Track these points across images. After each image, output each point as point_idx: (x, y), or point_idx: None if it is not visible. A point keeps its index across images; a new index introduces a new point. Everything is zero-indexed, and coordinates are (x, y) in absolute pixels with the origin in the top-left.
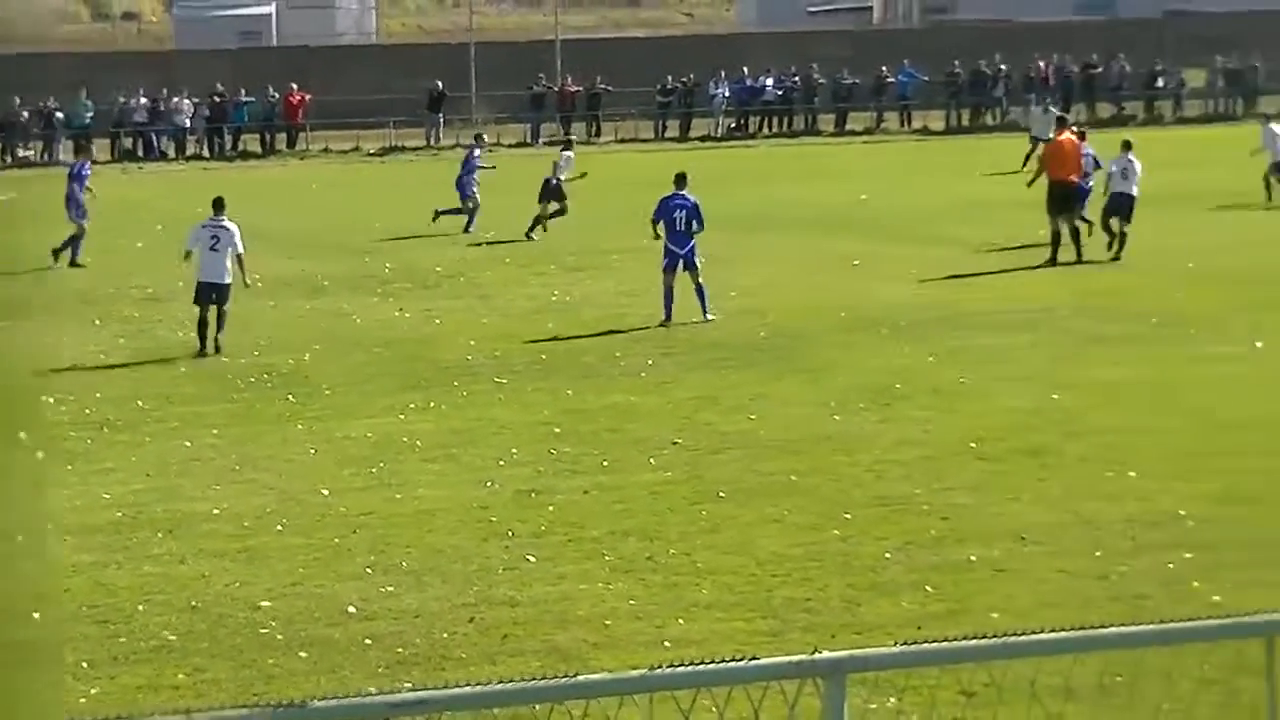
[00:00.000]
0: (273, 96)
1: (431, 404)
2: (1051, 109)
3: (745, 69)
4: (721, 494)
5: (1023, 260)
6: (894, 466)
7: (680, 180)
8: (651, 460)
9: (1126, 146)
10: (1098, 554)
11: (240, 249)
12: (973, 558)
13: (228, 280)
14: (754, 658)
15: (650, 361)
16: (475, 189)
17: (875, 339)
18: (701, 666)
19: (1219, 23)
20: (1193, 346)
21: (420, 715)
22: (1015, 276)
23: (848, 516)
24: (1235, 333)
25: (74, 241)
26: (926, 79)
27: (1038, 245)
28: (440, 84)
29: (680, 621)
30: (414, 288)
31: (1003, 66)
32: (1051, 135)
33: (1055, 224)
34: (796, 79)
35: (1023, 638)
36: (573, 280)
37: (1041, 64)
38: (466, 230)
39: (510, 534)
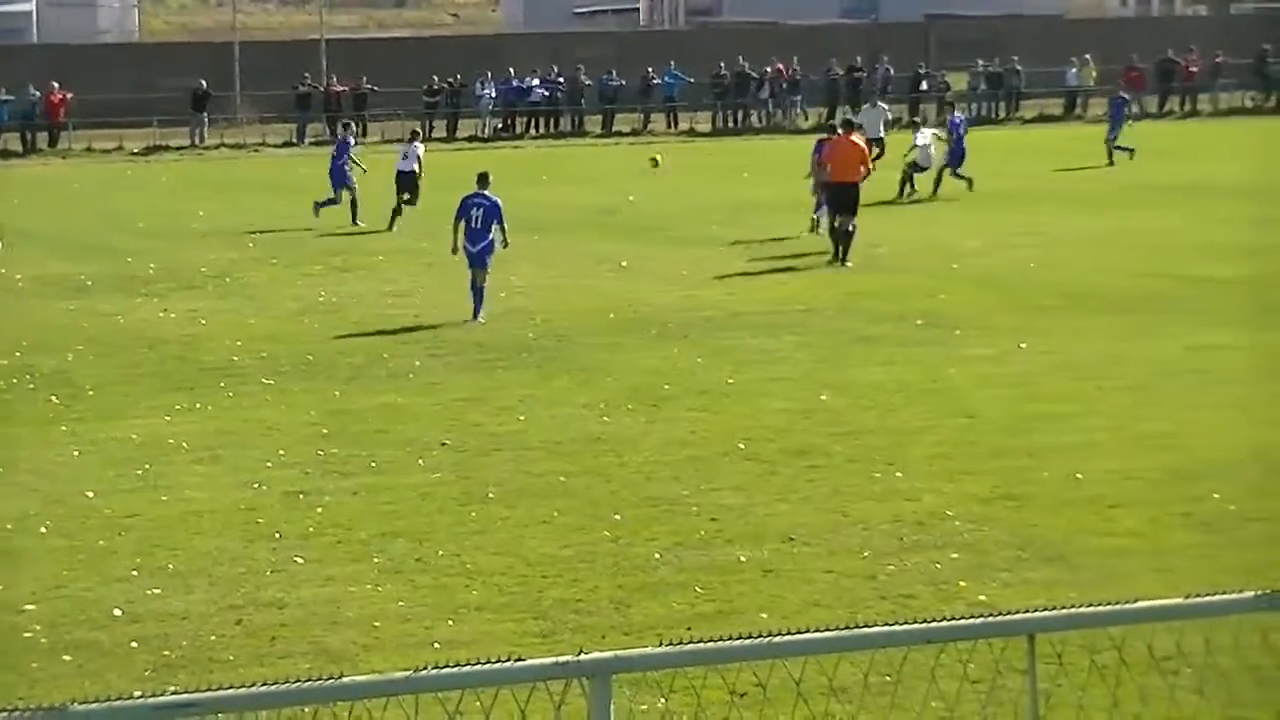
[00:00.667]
0: (33, 95)
1: (198, 405)
2: (881, 104)
3: (511, 70)
4: (491, 495)
5: (788, 261)
6: (663, 467)
7: (482, 180)
8: (420, 461)
9: (830, 130)
10: (866, 554)
11: None
12: (742, 558)
13: None
14: (520, 659)
15: (418, 362)
16: (352, 177)
17: (644, 340)
18: (467, 668)
19: (979, 26)
20: (959, 347)
21: (186, 718)
22: (781, 278)
23: (617, 517)
24: (1000, 333)
25: None
26: (692, 81)
27: (803, 250)
28: (204, 83)
29: (450, 623)
30: (178, 288)
31: (768, 68)
32: (882, 133)
33: (837, 222)
34: (562, 80)
35: (789, 637)
36: (339, 281)
37: (782, 66)
38: (354, 221)
39: (278, 536)
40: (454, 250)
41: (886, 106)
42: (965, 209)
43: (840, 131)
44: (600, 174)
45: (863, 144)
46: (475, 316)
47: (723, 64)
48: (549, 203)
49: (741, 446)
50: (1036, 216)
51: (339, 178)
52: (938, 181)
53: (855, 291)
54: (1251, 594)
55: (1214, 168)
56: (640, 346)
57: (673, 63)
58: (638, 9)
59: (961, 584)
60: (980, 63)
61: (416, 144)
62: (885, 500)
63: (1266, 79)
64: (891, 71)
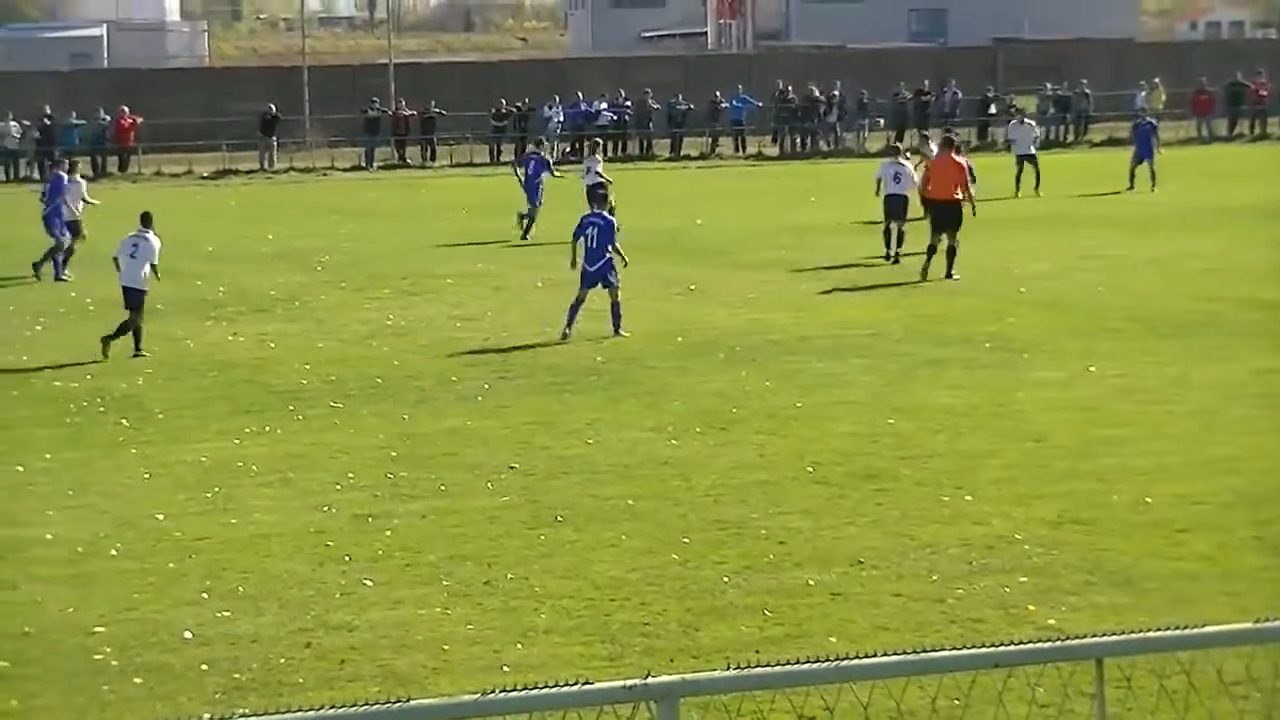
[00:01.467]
0: (103, 119)
1: (266, 428)
2: (1028, 121)
3: (579, 93)
4: (559, 518)
5: (854, 283)
6: (730, 491)
7: (600, 200)
8: (489, 485)
9: (894, 151)
10: (934, 578)
11: (155, 260)
12: (810, 582)
13: (143, 287)
14: (588, 682)
15: (486, 386)
16: (542, 192)
17: (711, 363)
18: (535, 691)
19: (1047, 50)
20: (1026, 371)
21: None
22: (848, 301)
23: (685, 541)
24: (1067, 357)
25: None
26: (760, 104)
27: (868, 267)
28: (273, 107)
29: (518, 646)
30: (248, 311)
31: (836, 92)
32: (1033, 150)
33: (934, 239)
34: (629, 103)
35: (856, 661)
36: (407, 304)
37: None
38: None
39: (347, 559)
40: (572, 265)
41: (1034, 123)
42: (1032, 231)
43: (941, 149)
44: (668, 197)
45: (963, 163)
46: (616, 332)
47: (790, 87)
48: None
49: (809, 470)
50: (1102, 240)
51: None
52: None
53: (922, 315)
54: None
55: (1273, 191)
56: (707, 370)
57: (740, 86)
58: (705, 33)
59: (1030, 608)
60: (1049, 86)
61: (597, 156)
62: (953, 524)
63: None
64: (959, 95)
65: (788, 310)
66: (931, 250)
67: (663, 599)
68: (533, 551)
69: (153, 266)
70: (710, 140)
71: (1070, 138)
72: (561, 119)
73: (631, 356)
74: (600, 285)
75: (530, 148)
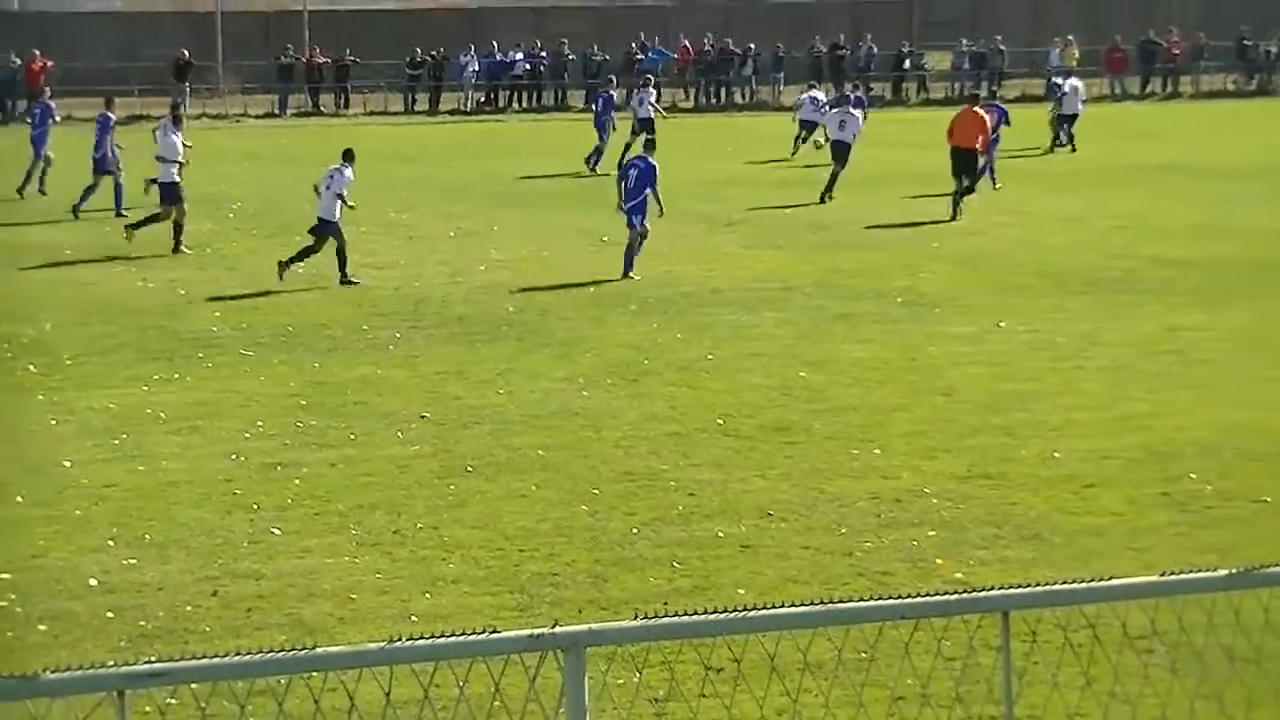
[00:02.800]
0: (14, 62)
1: (175, 375)
2: (1075, 81)
3: (495, 43)
4: (469, 468)
5: (769, 237)
6: (641, 442)
7: (649, 145)
8: (399, 434)
9: (845, 100)
10: (843, 531)
11: (342, 191)
12: (719, 534)
13: (330, 216)
14: (495, 631)
15: (398, 335)
16: (611, 127)
17: (624, 315)
18: (441, 640)
19: (963, 4)
20: (938, 326)
21: (160, 688)
22: (761, 253)
23: (595, 492)
24: (979, 313)
25: None
26: (675, 56)
27: (783, 220)
28: (186, 53)
29: (426, 596)
30: (158, 258)
31: (751, 45)
32: (1080, 108)
33: (957, 183)
34: (545, 54)
35: (764, 612)
36: (320, 253)
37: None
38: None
39: (255, 507)
40: (618, 208)
41: (1080, 84)
42: (946, 187)
43: (967, 103)
44: (583, 148)
45: (985, 116)
46: (626, 273)
47: (707, 39)
48: (530, 176)
49: (720, 422)
50: (1016, 196)
51: (601, 127)
52: None
53: (835, 269)
54: (1225, 572)
55: (1193, 149)
56: (620, 321)
57: (656, 38)
58: None
59: (938, 561)
60: (964, 42)
61: (649, 90)
62: (863, 477)
63: (1247, 61)
64: (875, 50)
65: (701, 263)
66: (957, 194)
67: (572, 550)
68: (443, 501)
69: (340, 197)
70: (625, 92)
71: (984, 94)
72: (477, 68)
73: (544, 308)
74: (627, 225)
75: (602, 88)
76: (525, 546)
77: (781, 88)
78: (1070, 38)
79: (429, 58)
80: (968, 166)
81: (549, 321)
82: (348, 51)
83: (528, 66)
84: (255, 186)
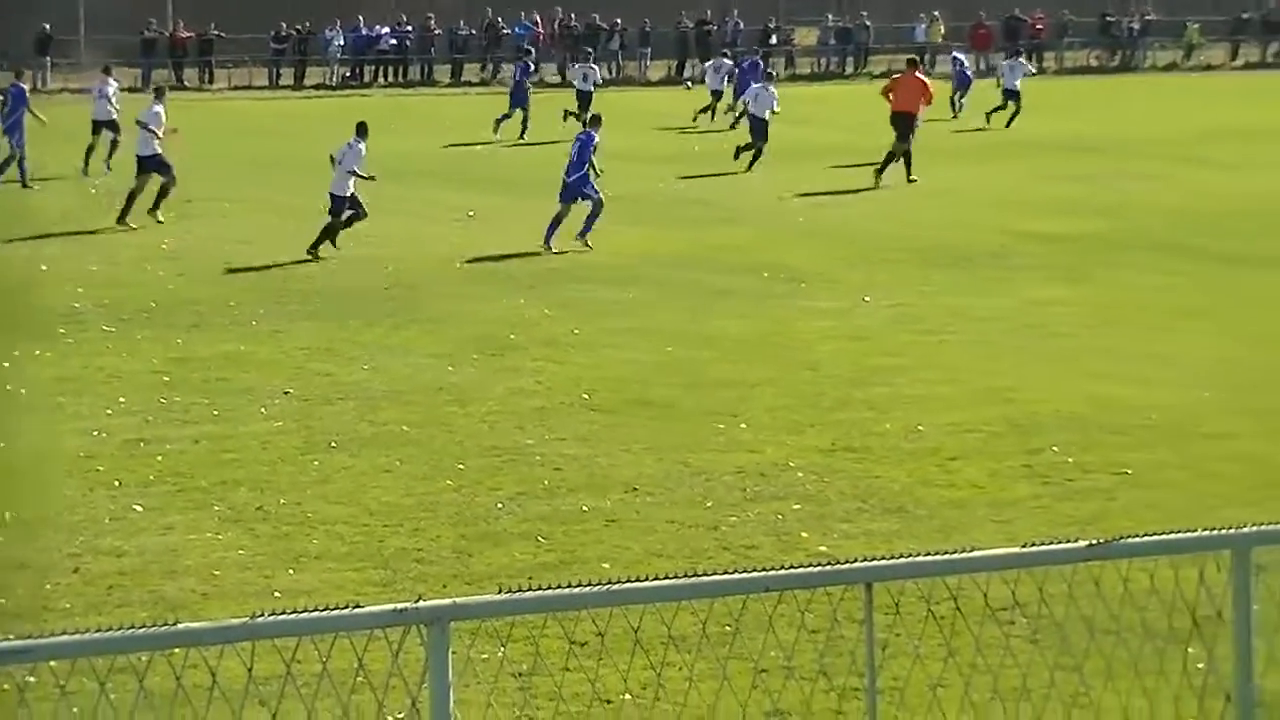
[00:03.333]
0: None
1: (37, 351)
2: (1021, 60)
3: (361, 18)
4: (333, 444)
5: (638, 212)
6: (507, 417)
7: (593, 120)
8: (263, 410)
9: (769, 78)
10: (708, 504)
11: (353, 167)
12: (585, 508)
13: (339, 191)
14: (357, 606)
15: (263, 310)
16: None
17: (492, 290)
18: (303, 615)
19: None
20: (804, 300)
21: (20, 664)
22: (631, 229)
23: (460, 467)
24: (845, 287)
25: None
26: (542, 31)
27: (653, 202)
28: (47, 26)
29: (290, 572)
30: (19, 233)
31: (618, 20)
32: (1018, 85)
33: (896, 146)
34: (411, 28)
35: (628, 585)
36: (184, 228)
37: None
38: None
39: (117, 483)
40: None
41: (1026, 61)
42: (822, 162)
43: (907, 69)
44: (450, 123)
45: (925, 80)
46: (582, 237)
47: (573, 14)
48: (398, 152)
49: (586, 397)
50: (891, 171)
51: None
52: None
53: (704, 244)
54: (1084, 544)
55: (1056, 124)
56: (488, 297)
57: (523, 13)
58: None
59: (803, 535)
60: (830, 17)
61: (591, 65)
62: (728, 451)
63: (1110, 37)
64: (741, 25)
65: (570, 238)
66: (892, 156)
67: (437, 525)
68: (307, 477)
69: (351, 172)
70: (493, 66)
71: (851, 69)
72: (343, 43)
73: (412, 283)
74: (579, 199)
75: (520, 57)
76: (389, 522)
77: (648, 63)
78: (936, 14)
79: (294, 32)
80: (903, 130)
81: (417, 297)
82: (212, 26)
83: (394, 41)
84: (116, 162)
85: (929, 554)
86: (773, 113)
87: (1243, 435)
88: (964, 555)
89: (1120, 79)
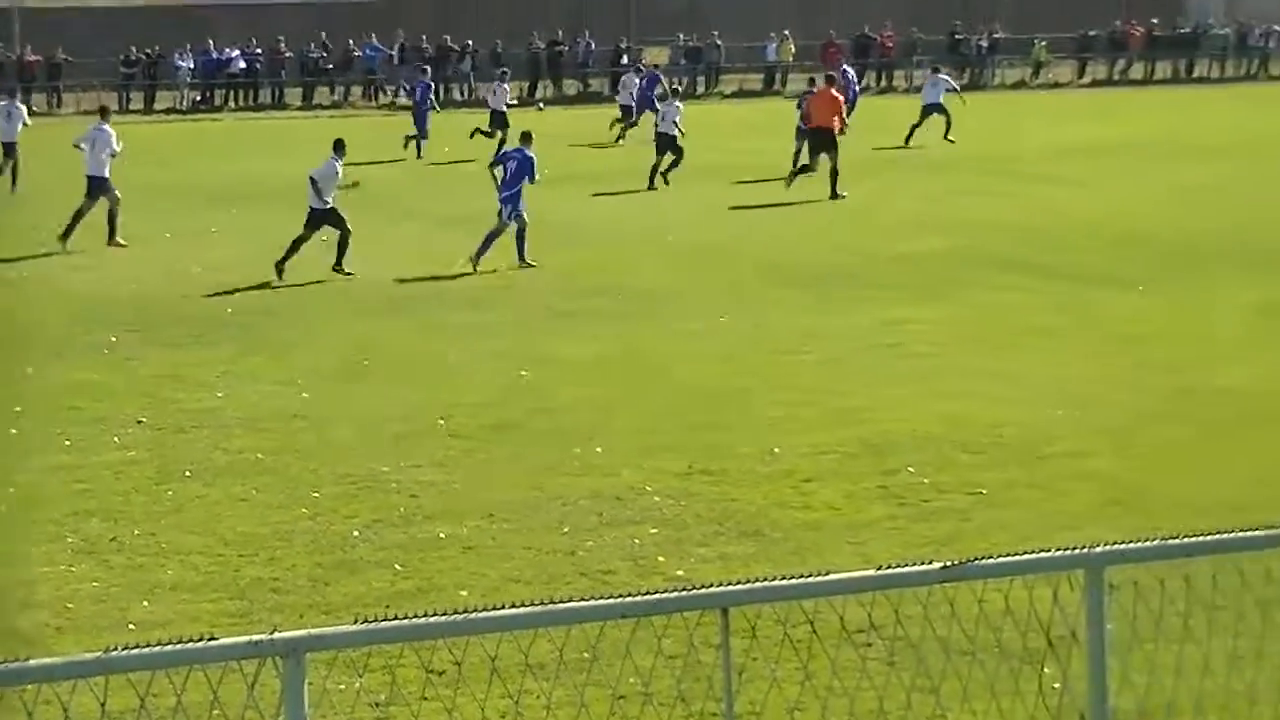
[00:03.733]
0: None
1: None
2: (943, 75)
3: (211, 41)
4: (187, 473)
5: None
6: (363, 444)
7: (525, 137)
8: (115, 439)
9: (675, 94)
10: (565, 530)
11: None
12: (441, 535)
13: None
14: (213, 638)
15: (114, 338)
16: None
17: (346, 314)
18: (157, 648)
19: (680, 1)
20: (662, 321)
21: None
22: (488, 253)
23: (316, 495)
24: (702, 307)
25: None
26: (392, 53)
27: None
28: None
29: (144, 604)
30: None
31: (469, 41)
32: (941, 100)
33: (812, 161)
34: (261, 51)
35: (484, 614)
36: (31, 256)
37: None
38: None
39: None
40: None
41: (948, 76)
42: (678, 184)
43: (820, 85)
44: (300, 146)
45: (839, 97)
46: (521, 258)
47: (424, 36)
48: (248, 176)
49: (442, 423)
50: (737, 191)
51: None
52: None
53: (564, 265)
54: (939, 566)
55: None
56: (342, 321)
57: (374, 35)
58: None
59: (660, 559)
60: (681, 36)
61: (504, 85)
62: (584, 475)
63: (959, 55)
64: (594, 46)
65: (426, 261)
66: (805, 169)
67: (292, 554)
68: (160, 507)
69: (314, 187)
70: (344, 89)
71: (703, 89)
72: (193, 67)
73: (264, 308)
74: (509, 216)
75: (419, 76)
76: (245, 551)
77: (507, 83)
78: (786, 32)
79: (144, 56)
80: (827, 146)
81: (269, 322)
82: (60, 50)
83: (244, 65)
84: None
85: (785, 578)
86: (679, 129)
87: (1093, 453)
88: (820, 579)
89: (969, 96)
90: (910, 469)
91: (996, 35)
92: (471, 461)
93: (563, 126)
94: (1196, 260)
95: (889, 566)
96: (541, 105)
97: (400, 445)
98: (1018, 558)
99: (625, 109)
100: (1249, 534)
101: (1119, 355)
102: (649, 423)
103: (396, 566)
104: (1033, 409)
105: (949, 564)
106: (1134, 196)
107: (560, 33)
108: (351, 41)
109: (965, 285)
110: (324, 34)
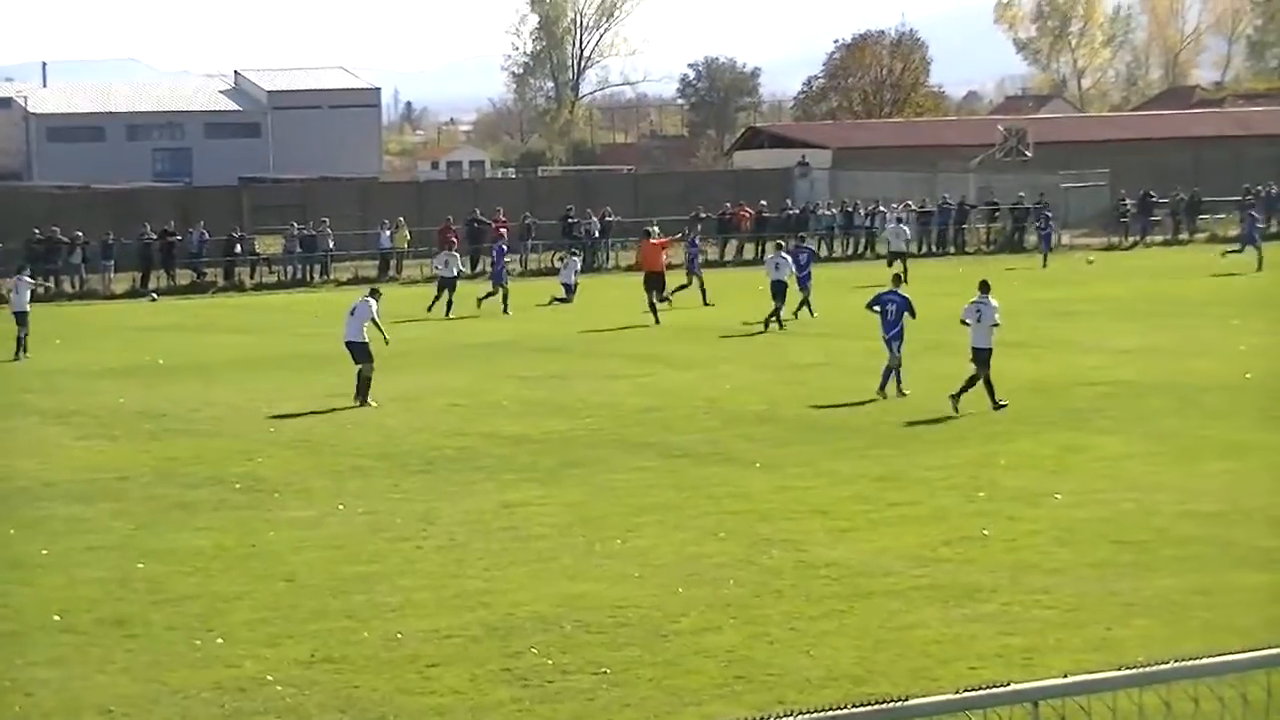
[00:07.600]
0: None
1: None
2: (903, 225)
3: None
4: None
5: (103, 428)
6: None
7: (896, 279)
8: None
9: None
10: None
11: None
12: None
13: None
14: None
15: None
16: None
17: None
18: None
19: (292, 190)
20: (277, 510)
21: None
22: (98, 445)
23: None
24: (317, 495)
25: None
26: (3, 245)
27: (116, 418)
28: None
29: None
30: None
31: (79, 233)
32: (905, 246)
33: (650, 298)
34: None
35: None
36: None
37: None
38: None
39: None
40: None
41: (906, 227)
42: (282, 373)
43: (644, 239)
44: None
45: (660, 244)
46: (881, 390)
47: (36, 229)
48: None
49: (57, 618)
50: (346, 377)
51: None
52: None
53: (172, 457)
54: None
55: (517, 326)
56: None
57: None
58: None
59: None
60: (295, 225)
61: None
62: (206, 667)
63: (573, 238)
64: (207, 235)
65: (32, 455)
66: (653, 306)
67: None
68: None
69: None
70: None
71: (316, 277)
72: None
73: None
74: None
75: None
76: None
77: (112, 275)
78: (401, 219)
79: None
80: (658, 285)
81: None
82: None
83: None
84: None
85: None
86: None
87: (714, 629)
88: None
89: (588, 279)
90: (534, 650)
91: (610, 219)
92: (88, 656)
93: (176, 316)
94: (815, 434)
95: None
96: (154, 296)
97: (14, 643)
98: None
99: (897, 255)
100: (869, 709)
101: (736, 532)
102: (269, 612)
103: None
104: (655, 587)
105: None
106: (749, 377)
107: (173, 222)
108: None
109: (581, 465)
110: None
